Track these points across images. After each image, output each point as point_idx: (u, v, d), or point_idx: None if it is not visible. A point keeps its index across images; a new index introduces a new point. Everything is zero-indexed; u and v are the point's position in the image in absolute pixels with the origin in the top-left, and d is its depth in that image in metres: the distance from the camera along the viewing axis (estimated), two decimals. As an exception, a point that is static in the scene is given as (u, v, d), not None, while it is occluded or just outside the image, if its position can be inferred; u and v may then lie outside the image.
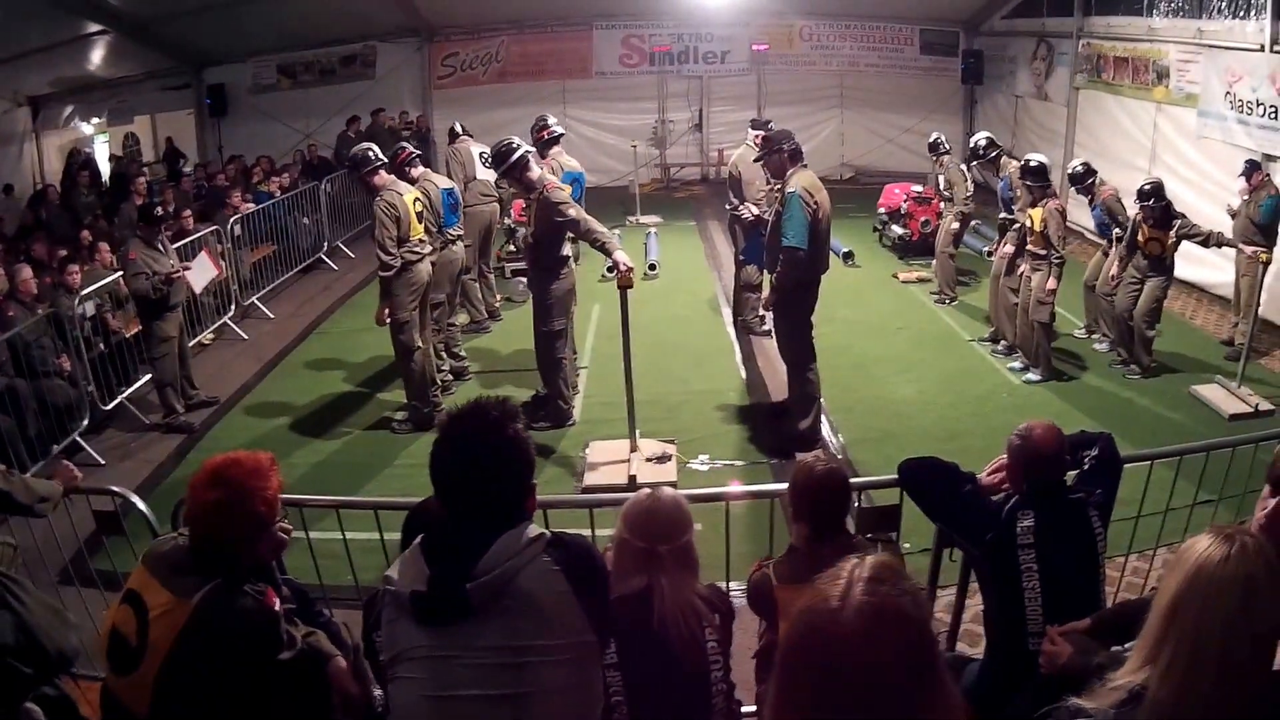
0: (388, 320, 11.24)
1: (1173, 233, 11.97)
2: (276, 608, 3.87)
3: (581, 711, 3.31)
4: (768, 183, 12.21)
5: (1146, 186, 11.99)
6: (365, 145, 11.58)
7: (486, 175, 14.46)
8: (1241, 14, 14.84)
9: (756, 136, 13.46)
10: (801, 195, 9.99)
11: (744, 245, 13.91)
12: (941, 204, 16.65)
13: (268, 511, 3.85)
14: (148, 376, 12.38)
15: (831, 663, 2.06)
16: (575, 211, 10.73)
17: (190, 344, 13.10)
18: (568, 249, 11.31)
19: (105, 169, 22.59)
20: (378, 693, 4.59)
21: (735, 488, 8.08)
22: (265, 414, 12.44)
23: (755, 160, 11.87)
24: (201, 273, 13.25)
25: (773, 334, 11.64)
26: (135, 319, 12.66)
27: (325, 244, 19.38)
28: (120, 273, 12.41)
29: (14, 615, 4.58)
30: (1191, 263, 16.09)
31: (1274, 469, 3.81)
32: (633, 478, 9.89)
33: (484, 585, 3.08)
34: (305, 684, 4.05)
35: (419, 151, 12.95)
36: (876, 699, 2.05)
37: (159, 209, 12.58)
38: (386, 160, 11.56)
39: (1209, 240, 12.20)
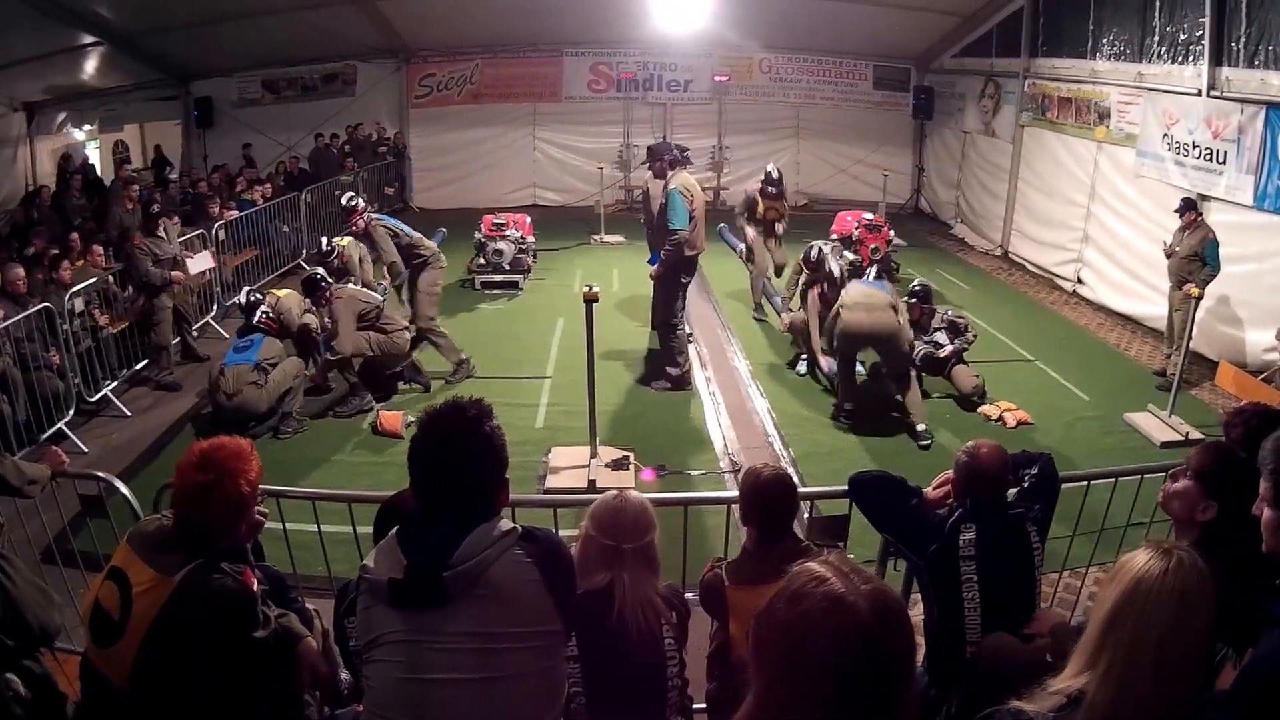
0: None
1: None
2: (254, 588, 3.89)
3: (547, 696, 3.33)
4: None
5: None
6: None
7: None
8: (1180, 59, 15.07)
9: None
10: (680, 191, 12.24)
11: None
12: None
13: (249, 493, 3.87)
14: (129, 372, 12.80)
15: (851, 648, 2.07)
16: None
17: (174, 341, 13.67)
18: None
19: (106, 176, 22.39)
20: (345, 676, 4.60)
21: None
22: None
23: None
24: (199, 261, 14.33)
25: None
26: (122, 317, 12.94)
27: (304, 250, 19.19)
28: (110, 270, 12.86)
29: (2, 591, 4.57)
30: (1128, 296, 16.31)
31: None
32: (592, 482, 9.94)
33: (460, 574, 3.10)
34: (277, 662, 4.06)
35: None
36: (890, 683, 2.10)
37: (155, 205, 13.74)
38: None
39: None
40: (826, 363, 12.65)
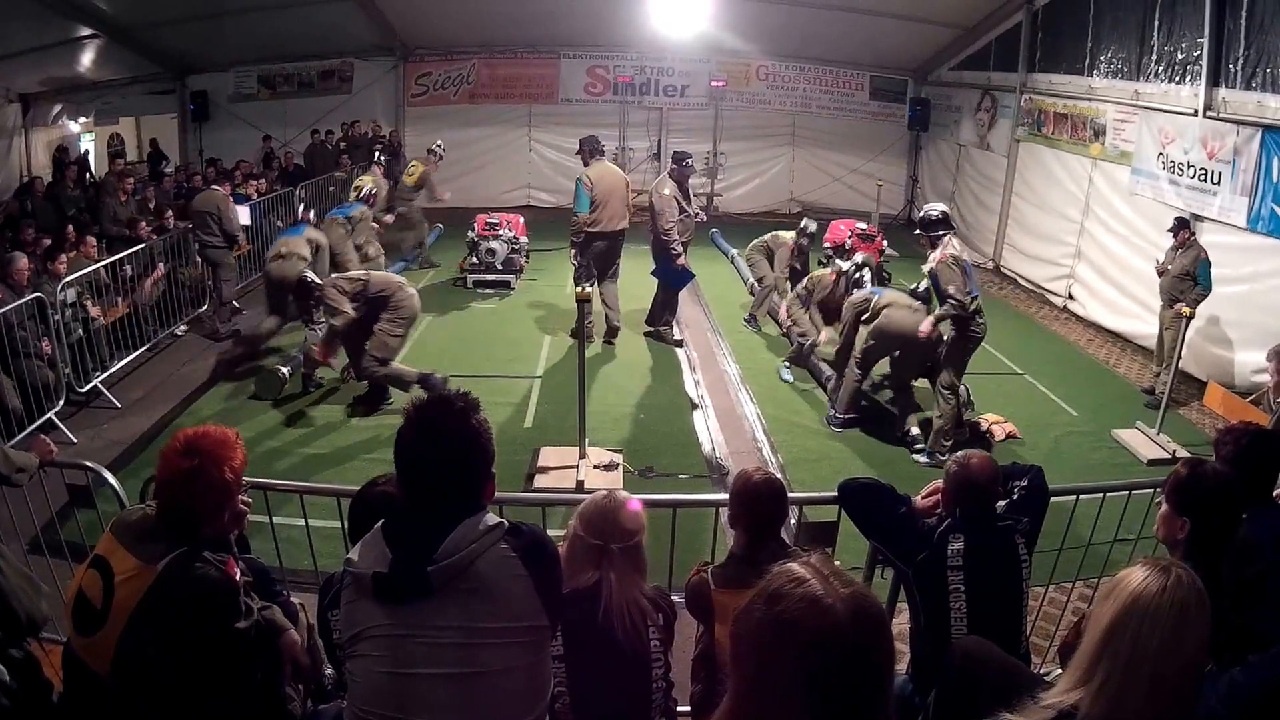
0: None
1: None
2: (237, 578, 3.87)
3: (532, 691, 3.30)
4: (681, 211, 14.62)
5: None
6: None
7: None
8: (1178, 79, 15.08)
9: (672, 168, 14.71)
10: (583, 179, 14.18)
11: (655, 267, 14.90)
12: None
13: (234, 481, 3.86)
14: (122, 363, 12.80)
15: (827, 652, 2.07)
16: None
17: (163, 334, 13.94)
18: None
19: (102, 167, 22.36)
20: (328, 670, 4.60)
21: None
22: (233, 400, 12.36)
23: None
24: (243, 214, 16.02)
25: (678, 340, 15.30)
26: (113, 308, 13.03)
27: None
28: (102, 264, 12.95)
29: (-10, 581, 4.56)
30: (1119, 313, 16.32)
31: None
32: (580, 483, 9.91)
33: (445, 568, 3.07)
34: (258, 653, 4.06)
35: None
36: (866, 686, 2.11)
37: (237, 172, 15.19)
38: None
39: None
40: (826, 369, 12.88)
